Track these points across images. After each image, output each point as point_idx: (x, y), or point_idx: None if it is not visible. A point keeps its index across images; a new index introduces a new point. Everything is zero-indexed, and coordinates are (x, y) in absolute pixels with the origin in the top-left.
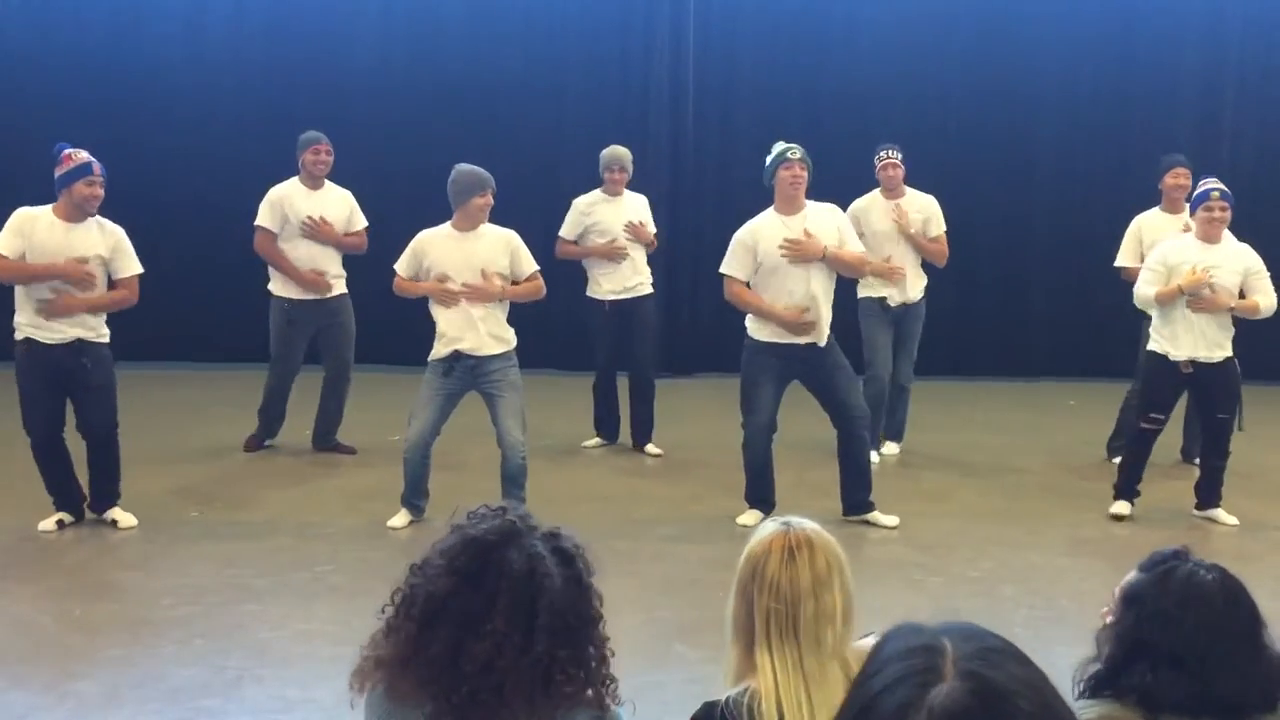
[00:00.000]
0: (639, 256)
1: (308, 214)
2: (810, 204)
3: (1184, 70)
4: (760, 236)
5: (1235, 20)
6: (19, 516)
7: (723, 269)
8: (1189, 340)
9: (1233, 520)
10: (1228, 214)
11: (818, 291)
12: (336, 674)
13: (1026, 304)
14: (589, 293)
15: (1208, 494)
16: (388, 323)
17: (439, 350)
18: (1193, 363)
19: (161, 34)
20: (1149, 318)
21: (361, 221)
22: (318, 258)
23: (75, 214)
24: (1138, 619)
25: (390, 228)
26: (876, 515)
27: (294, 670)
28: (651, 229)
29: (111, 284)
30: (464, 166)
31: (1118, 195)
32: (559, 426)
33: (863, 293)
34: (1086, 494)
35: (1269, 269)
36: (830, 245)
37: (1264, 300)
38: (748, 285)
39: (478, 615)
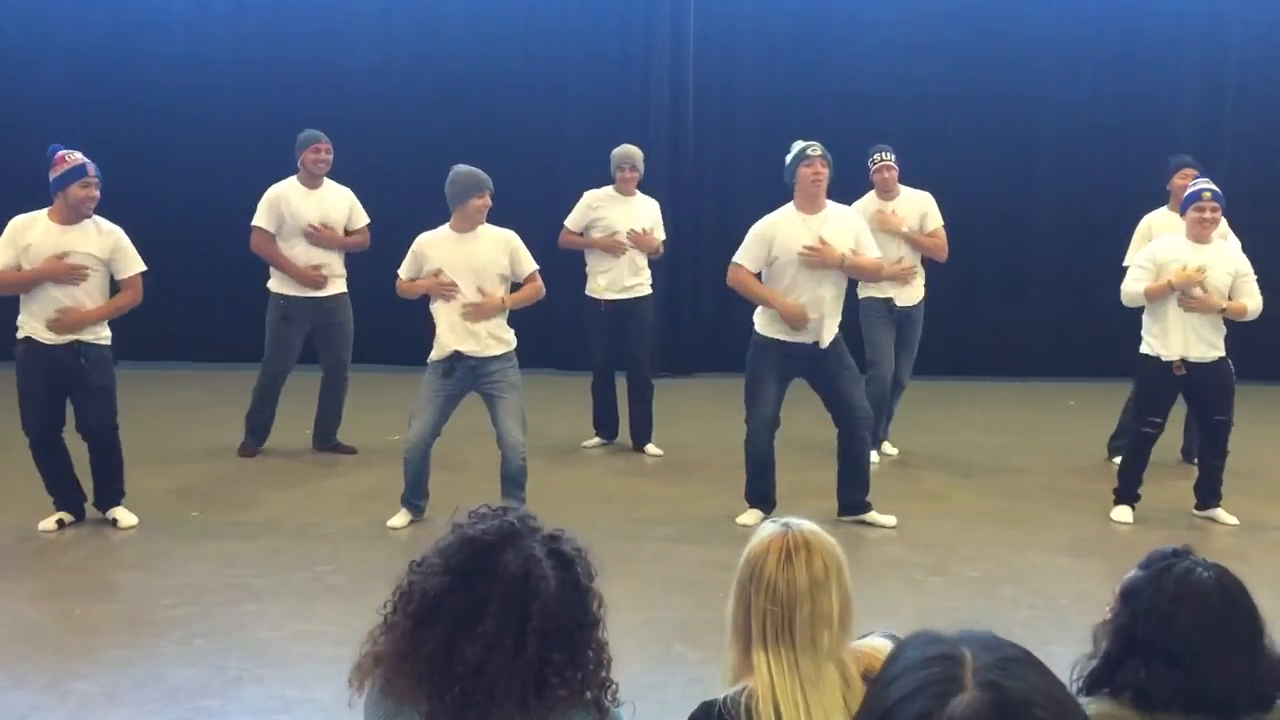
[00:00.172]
0: (639, 258)
1: (308, 220)
2: (831, 205)
3: (1184, 70)
4: (778, 232)
5: (1235, 20)
6: (19, 516)
7: (736, 258)
8: (1180, 339)
9: (1233, 520)
10: (1218, 214)
11: (827, 295)
12: (336, 674)
13: (1026, 304)
14: (587, 291)
15: (1207, 494)
16: (388, 323)
17: (439, 351)
18: (1185, 363)
19: (161, 34)
20: None
21: (363, 219)
22: (317, 257)
23: (71, 216)
24: (1133, 615)
25: (391, 227)
26: (874, 515)
27: (294, 670)
28: (660, 235)
29: (114, 285)
30: (462, 168)
31: (1118, 195)
32: (559, 426)
33: (866, 293)
34: (1086, 494)
35: (1269, 268)
36: (848, 252)
37: (1251, 303)
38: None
39: (470, 616)
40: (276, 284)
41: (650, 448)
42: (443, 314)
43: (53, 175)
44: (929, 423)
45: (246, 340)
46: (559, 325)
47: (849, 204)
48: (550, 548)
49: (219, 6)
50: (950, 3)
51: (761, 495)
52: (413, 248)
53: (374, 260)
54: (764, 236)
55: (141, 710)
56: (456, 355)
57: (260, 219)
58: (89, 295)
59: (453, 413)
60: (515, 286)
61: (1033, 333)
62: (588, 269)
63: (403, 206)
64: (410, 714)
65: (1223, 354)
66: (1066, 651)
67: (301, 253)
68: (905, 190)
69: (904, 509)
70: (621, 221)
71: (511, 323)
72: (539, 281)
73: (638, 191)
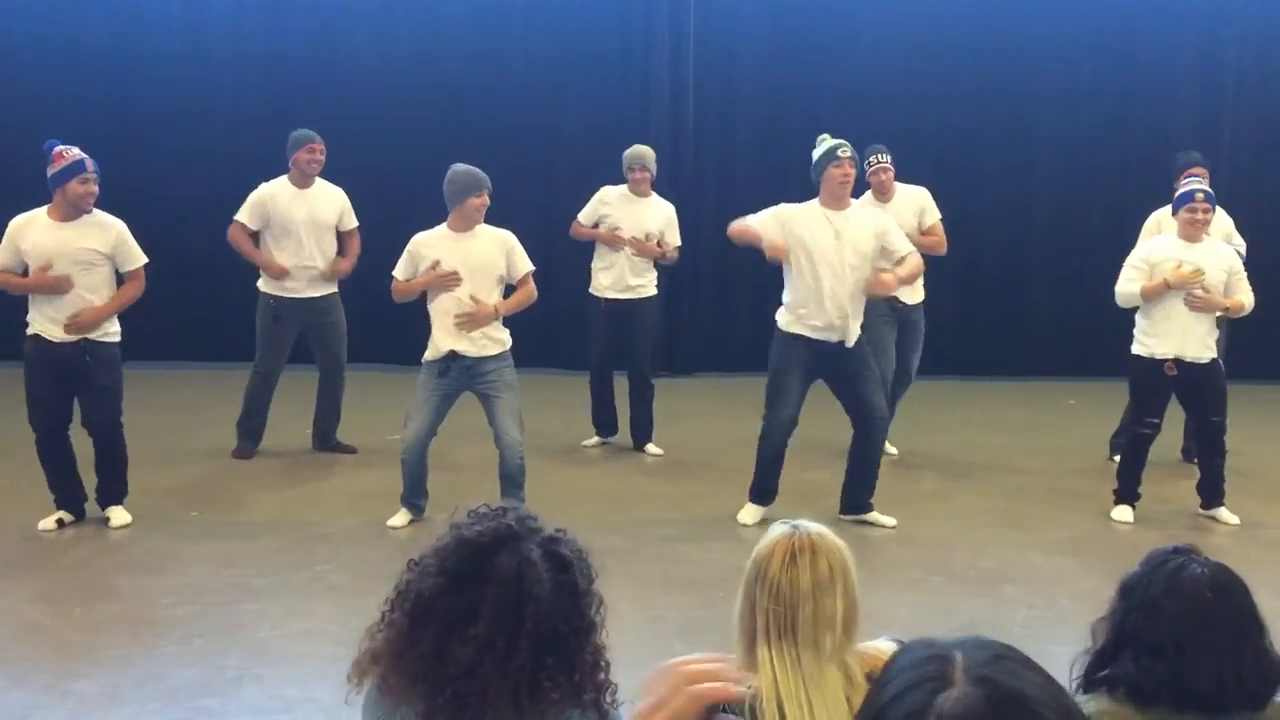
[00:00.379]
0: (644, 260)
1: (297, 221)
2: (854, 204)
3: (1184, 68)
4: (800, 226)
5: (1235, 16)
6: (19, 516)
7: (751, 217)
8: (1176, 340)
9: (1234, 519)
10: (1210, 215)
11: (847, 293)
12: (336, 673)
13: (1027, 303)
14: (590, 289)
15: (1210, 494)
16: (387, 322)
17: (434, 351)
18: (1180, 363)
19: (161, 32)
20: None
21: (352, 221)
22: (308, 259)
23: (71, 212)
24: (1126, 609)
25: (390, 226)
26: (875, 515)
27: (294, 670)
28: (674, 241)
29: (119, 278)
30: (460, 167)
31: (1118, 194)
32: (559, 426)
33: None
34: (1086, 494)
35: (1269, 267)
36: (892, 277)
37: (1246, 299)
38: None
39: (462, 618)
40: (266, 284)
41: (650, 447)
42: (438, 313)
43: (50, 172)
44: (929, 423)
45: (247, 340)
46: (560, 325)
47: None
48: (547, 550)
49: (219, 5)
50: (950, 1)
51: (764, 488)
52: (409, 247)
53: (373, 259)
54: (784, 219)
55: (141, 710)
56: (452, 355)
57: (243, 214)
58: (95, 291)
59: (449, 412)
60: (510, 288)
61: (1033, 332)
62: (592, 265)
63: (402, 205)
64: (407, 713)
65: (1215, 355)
66: (1066, 651)
67: (292, 254)
68: (900, 187)
69: (904, 509)
70: (626, 223)
71: (512, 322)
72: (532, 285)
73: (653, 193)
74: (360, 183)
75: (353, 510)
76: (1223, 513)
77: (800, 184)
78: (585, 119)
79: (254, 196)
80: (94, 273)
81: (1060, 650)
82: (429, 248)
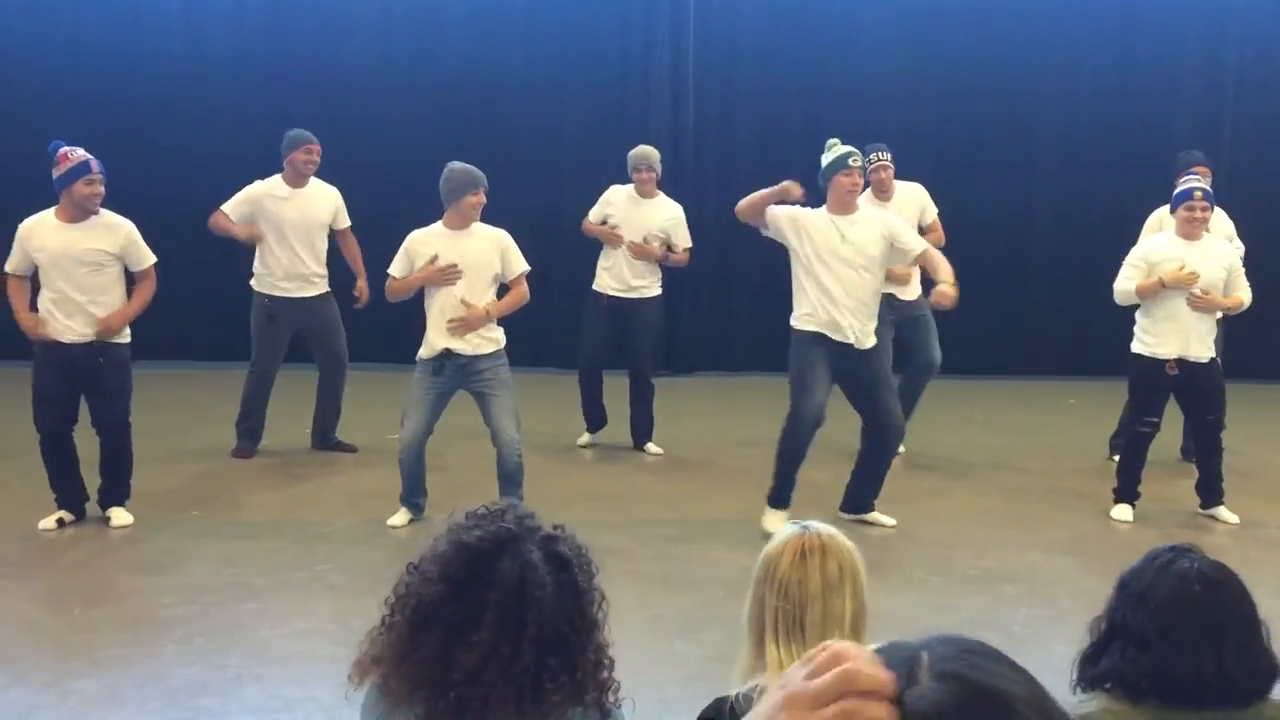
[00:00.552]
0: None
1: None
2: (862, 207)
3: (1184, 68)
4: (808, 229)
5: (1236, 18)
6: (19, 516)
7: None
8: (1178, 339)
9: (1234, 519)
10: (1208, 213)
11: (856, 295)
12: (336, 673)
13: (1027, 303)
14: (593, 285)
15: (1210, 493)
16: (386, 321)
17: (428, 349)
18: (1182, 362)
19: (161, 32)
20: None
21: (345, 221)
22: (300, 263)
23: (78, 214)
24: (1118, 603)
25: (389, 225)
26: (876, 515)
27: (294, 669)
28: (683, 243)
29: (130, 277)
30: (456, 165)
31: (1118, 194)
32: (558, 425)
33: None
34: (1086, 494)
35: (1270, 267)
36: (944, 291)
37: (1246, 296)
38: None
39: (465, 625)
40: (259, 284)
41: (650, 447)
42: (433, 312)
43: (56, 174)
44: (929, 422)
45: (247, 340)
46: (557, 324)
47: None
48: (547, 550)
49: (219, 5)
50: (950, 1)
51: (785, 497)
52: (404, 245)
53: (372, 258)
54: (796, 218)
55: (141, 710)
56: (446, 353)
57: (229, 207)
58: (105, 292)
59: (444, 410)
60: (504, 289)
61: (1033, 331)
62: (599, 262)
63: (401, 204)
64: (405, 715)
65: (1214, 354)
66: (1066, 651)
67: (283, 254)
68: (899, 185)
69: (904, 508)
70: (627, 224)
71: (509, 322)
72: (524, 286)
73: (660, 193)
74: (360, 182)
75: (353, 510)
76: (1222, 512)
77: (800, 183)
78: (585, 119)
79: (244, 193)
80: (103, 274)
81: (1060, 650)
82: (425, 245)
